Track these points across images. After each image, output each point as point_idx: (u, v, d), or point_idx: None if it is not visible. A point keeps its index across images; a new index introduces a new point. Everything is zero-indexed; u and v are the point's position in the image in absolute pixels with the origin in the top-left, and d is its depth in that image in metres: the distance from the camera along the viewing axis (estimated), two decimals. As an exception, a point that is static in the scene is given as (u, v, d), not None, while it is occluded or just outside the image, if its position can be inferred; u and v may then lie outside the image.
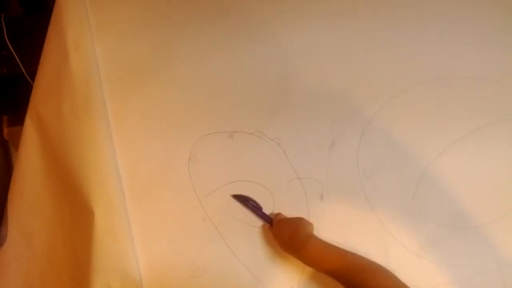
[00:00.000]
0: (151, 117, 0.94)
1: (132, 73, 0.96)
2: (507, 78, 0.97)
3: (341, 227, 0.89)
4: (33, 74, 1.43)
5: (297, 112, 0.95)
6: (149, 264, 0.84)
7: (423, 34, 0.99)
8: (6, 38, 1.43)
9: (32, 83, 1.43)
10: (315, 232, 0.84)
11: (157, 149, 0.92)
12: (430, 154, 0.92)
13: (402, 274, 0.75)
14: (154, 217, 0.89)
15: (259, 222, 0.90)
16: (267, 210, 0.90)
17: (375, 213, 0.90)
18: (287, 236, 0.81)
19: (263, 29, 0.99)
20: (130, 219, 0.88)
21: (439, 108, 0.96)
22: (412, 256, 0.89)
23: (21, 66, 1.40)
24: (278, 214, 0.89)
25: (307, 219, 0.87)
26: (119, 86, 0.95)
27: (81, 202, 0.89)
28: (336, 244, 0.80)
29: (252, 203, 0.90)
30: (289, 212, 0.89)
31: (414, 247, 0.89)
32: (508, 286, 0.88)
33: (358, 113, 0.95)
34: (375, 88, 0.96)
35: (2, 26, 1.45)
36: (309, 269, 0.85)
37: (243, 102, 0.95)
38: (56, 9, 1.03)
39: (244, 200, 0.90)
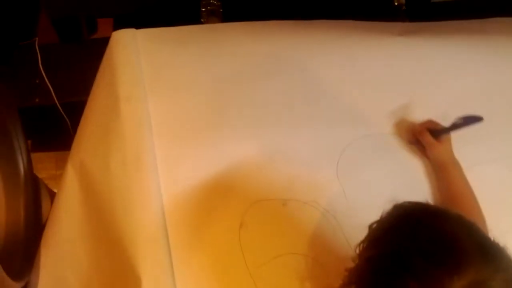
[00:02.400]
0: (203, 178, 0.90)
1: (185, 130, 0.93)
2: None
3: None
4: (65, 106, 1.40)
5: (353, 183, 0.92)
6: None
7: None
8: (40, 66, 1.40)
9: (64, 115, 1.40)
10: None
11: (208, 215, 0.88)
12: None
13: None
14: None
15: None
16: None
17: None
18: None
19: (325, 97, 0.96)
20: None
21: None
22: None
23: (54, 97, 1.36)
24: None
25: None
26: (171, 143, 0.92)
27: (125, 264, 0.85)
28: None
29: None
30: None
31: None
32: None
33: (415, 187, 0.93)
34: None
35: (36, 53, 1.42)
36: None
37: (299, 169, 0.92)
38: (107, 54, 1.00)
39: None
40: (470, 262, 0.52)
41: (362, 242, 0.66)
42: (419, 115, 1.00)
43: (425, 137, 0.95)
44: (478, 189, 0.95)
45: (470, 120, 0.94)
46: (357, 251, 0.66)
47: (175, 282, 0.83)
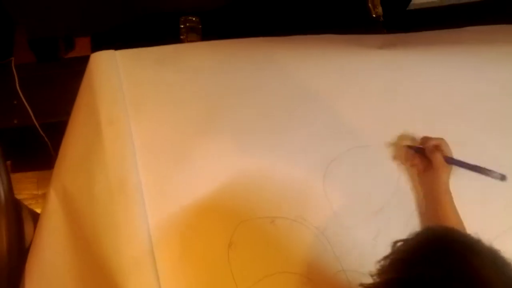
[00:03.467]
0: (189, 200, 0.89)
1: (169, 151, 0.92)
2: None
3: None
4: (45, 126, 1.38)
5: (341, 199, 0.93)
6: None
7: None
8: (17, 86, 1.37)
9: (44, 136, 1.38)
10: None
11: (196, 236, 0.87)
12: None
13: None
14: (194, 311, 0.84)
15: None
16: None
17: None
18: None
19: (310, 111, 0.96)
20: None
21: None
22: None
23: (33, 118, 1.34)
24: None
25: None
26: (156, 165, 0.90)
27: (113, 289, 0.84)
28: None
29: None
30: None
31: None
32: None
33: (402, 202, 0.93)
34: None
35: (13, 73, 1.39)
36: None
37: (286, 186, 0.92)
38: (87, 76, 0.99)
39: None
40: None
41: (384, 259, 0.62)
42: (404, 129, 1.01)
43: (437, 155, 0.91)
44: (462, 195, 0.96)
45: (487, 172, 0.93)
46: (377, 267, 0.63)
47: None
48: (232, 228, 0.88)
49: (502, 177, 0.93)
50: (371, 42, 1.09)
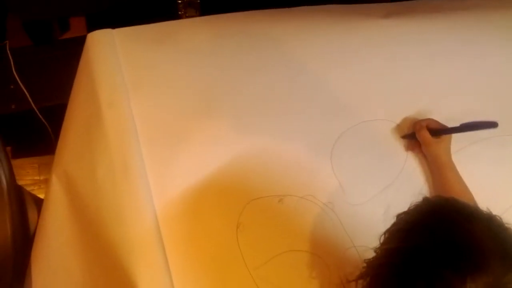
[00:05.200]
0: (195, 181, 0.87)
1: (172, 133, 0.89)
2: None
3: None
4: (44, 110, 1.36)
5: (349, 174, 0.91)
6: None
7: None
8: (14, 70, 1.34)
9: (43, 120, 1.36)
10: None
11: (203, 218, 0.86)
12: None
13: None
14: (204, 292, 0.82)
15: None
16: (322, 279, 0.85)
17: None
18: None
19: (314, 87, 0.94)
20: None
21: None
22: None
23: (31, 102, 1.31)
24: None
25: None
26: (159, 147, 0.88)
27: (120, 273, 0.82)
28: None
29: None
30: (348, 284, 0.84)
31: None
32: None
33: (412, 176, 0.92)
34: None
35: (8, 57, 1.36)
36: None
37: (293, 164, 0.90)
38: (84, 57, 0.96)
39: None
40: (487, 266, 0.50)
41: (386, 231, 0.65)
42: (410, 101, 0.98)
43: (422, 133, 0.92)
44: (472, 169, 0.95)
45: (477, 125, 0.90)
46: (380, 240, 0.65)
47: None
48: (240, 208, 0.87)
49: (493, 124, 0.90)
50: (375, 12, 1.05)
